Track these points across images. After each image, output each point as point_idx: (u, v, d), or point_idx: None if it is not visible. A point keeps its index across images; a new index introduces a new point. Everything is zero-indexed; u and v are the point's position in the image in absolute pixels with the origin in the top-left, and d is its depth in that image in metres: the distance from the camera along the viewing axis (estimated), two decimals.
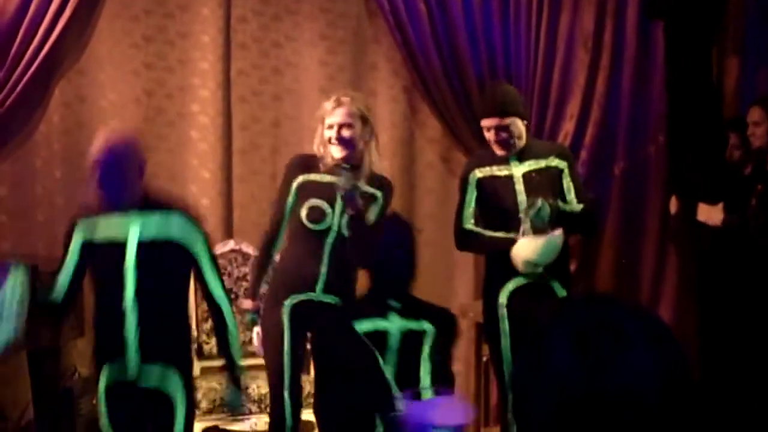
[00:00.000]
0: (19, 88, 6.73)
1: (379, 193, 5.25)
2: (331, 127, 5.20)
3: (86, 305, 6.29)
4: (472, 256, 5.77)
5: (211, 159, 6.98)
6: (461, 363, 7.03)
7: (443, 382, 4.01)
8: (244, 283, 6.73)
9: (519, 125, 5.45)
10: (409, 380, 3.97)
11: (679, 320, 7.03)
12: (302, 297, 5.26)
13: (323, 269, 5.20)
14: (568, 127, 7.12)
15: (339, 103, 5.21)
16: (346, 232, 5.09)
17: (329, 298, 5.19)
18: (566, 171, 5.45)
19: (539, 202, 5.19)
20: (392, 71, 7.14)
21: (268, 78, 7.10)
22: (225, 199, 7.00)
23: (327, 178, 5.17)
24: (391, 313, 4.10)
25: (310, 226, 5.17)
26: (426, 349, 4.05)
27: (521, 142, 5.46)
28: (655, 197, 7.19)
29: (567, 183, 5.44)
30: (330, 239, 5.17)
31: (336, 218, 5.14)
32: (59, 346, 6.25)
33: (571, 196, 5.42)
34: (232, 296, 6.68)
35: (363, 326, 4.01)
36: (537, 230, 5.21)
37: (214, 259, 4.69)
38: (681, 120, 6.83)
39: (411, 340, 4.08)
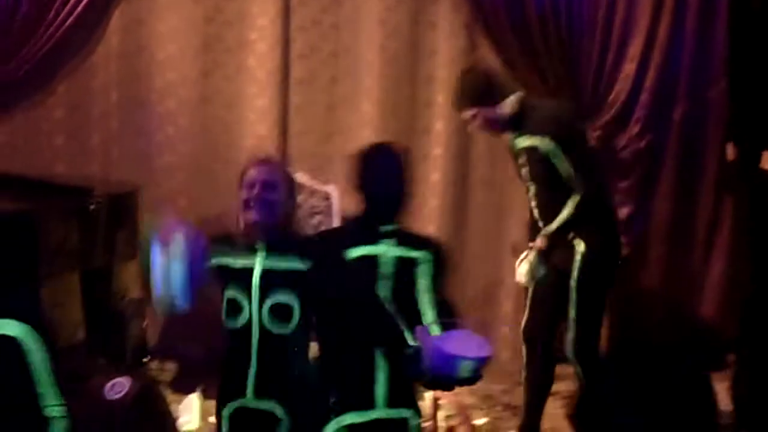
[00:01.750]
0: (78, 10, 6.73)
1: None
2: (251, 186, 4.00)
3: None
4: (525, 194, 5.74)
5: (268, 88, 6.94)
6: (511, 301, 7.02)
7: (447, 314, 3.92)
8: (297, 214, 6.72)
9: (487, 113, 5.46)
10: (403, 308, 3.88)
11: (732, 267, 6.96)
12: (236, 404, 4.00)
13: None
14: (629, 69, 7.01)
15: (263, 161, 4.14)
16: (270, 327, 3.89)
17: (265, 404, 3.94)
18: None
19: None
20: (452, 5, 7.05)
21: (327, 7, 7.04)
22: (281, 129, 6.98)
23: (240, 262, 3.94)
24: (382, 239, 3.92)
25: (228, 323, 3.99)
26: (423, 281, 3.95)
27: (502, 125, 5.53)
28: (713, 143, 7.09)
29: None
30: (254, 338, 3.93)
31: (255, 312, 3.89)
32: (112, 268, 6.28)
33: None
34: None
35: (354, 252, 3.88)
36: None
37: None
38: (744, 64, 6.73)
39: (404, 268, 3.92)
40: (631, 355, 6.90)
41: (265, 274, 3.86)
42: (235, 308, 3.90)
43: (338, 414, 3.77)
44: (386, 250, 3.90)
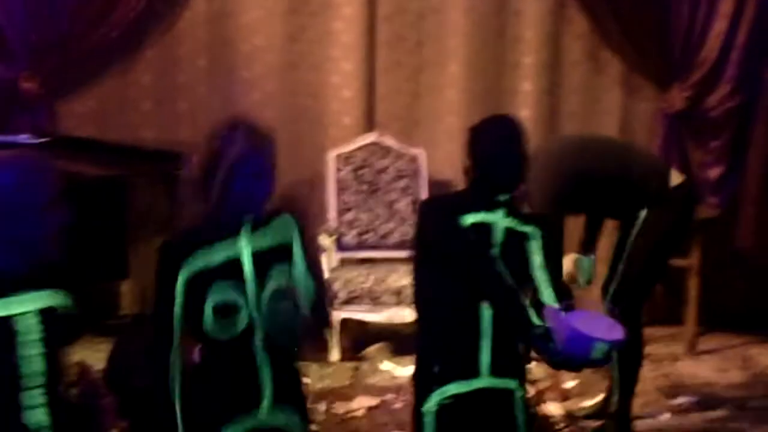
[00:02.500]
0: None
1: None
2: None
3: None
4: None
5: (354, 50, 6.91)
6: None
7: (565, 295, 3.86)
8: (384, 176, 6.72)
9: None
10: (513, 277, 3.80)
11: None
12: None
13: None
14: (720, 26, 6.89)
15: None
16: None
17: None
18: None
19: None
20: None
21: None
22: (368, 91, 6.95)
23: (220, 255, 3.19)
24: (497, 208, 3.80)
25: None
26: (536, 258, 3.83)
27: None
28: None
29: None
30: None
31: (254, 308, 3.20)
32: None
33: None
34: (371, 190, 6.70)
35: (470, 218, 3.76)
36: None
37: None
38: None
39: (512, 240, 3.80)
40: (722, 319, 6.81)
41: (257, 257, 3.17)
42: (227, 313, 3.12)
43: (441, 384, 3.70)
44: (500, 220, 3.79)
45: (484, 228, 3.77)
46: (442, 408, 3.68)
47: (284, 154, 6.79)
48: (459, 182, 6.90)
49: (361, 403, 5.58)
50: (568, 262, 5.31)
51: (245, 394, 3.19)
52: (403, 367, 6.12)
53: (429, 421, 3.69)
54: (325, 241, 6.44)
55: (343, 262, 6.61)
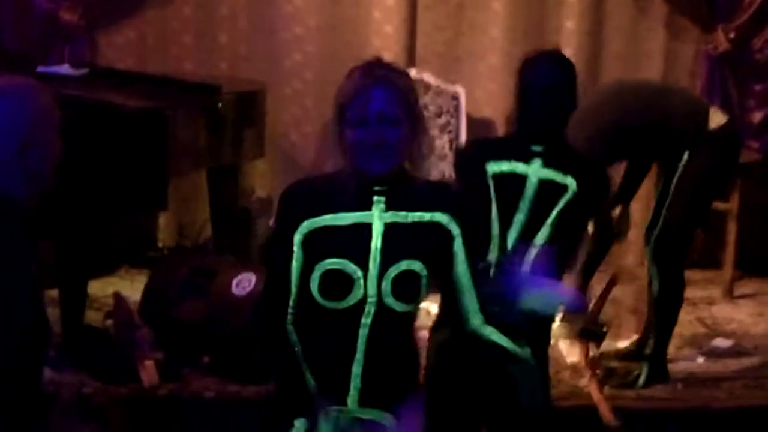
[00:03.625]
0: None
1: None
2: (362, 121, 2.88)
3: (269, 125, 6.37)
4: None
5: None
6: None
7: (565, 242, 3.73)
8: (425, 113, 6.67)
9: None
10: (533, 234, 3.65)
11: None
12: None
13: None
14: None
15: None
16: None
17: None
18: None
19: None
20: None
21: None
22: (409, 27, 6.89)
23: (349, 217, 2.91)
24: (534, 158, 3.64)
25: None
26: (561, 203, 3.64)
27: None
28: None
29: None
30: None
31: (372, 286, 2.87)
32: (239, 166, 6.33)
33: None
34: None
35: (495, 167, 3.63)
36: None
37: None
38: None
39: (549, 191, 3.65)
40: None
41: (388, 231, 2.88)
42: (341, 283, 2.86)
43: None
44: (534, 171, 3.66)
45: (513, 179, 3.66)
46: None
47: (324, 89, 6.88)
48: (499, 121, 6.90)
49: None
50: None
51: (334, 381, 2.89)
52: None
53: None
54: None
55: None
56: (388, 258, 2.86)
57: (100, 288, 5.85)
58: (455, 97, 6.70)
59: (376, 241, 2.87)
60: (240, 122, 6.00)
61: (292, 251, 2.89)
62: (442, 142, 6.68)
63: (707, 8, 6.82)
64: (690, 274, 5.59)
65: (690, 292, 5.77)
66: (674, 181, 5.12)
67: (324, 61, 6.89)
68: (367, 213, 2.89)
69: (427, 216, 2.90)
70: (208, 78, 6.35)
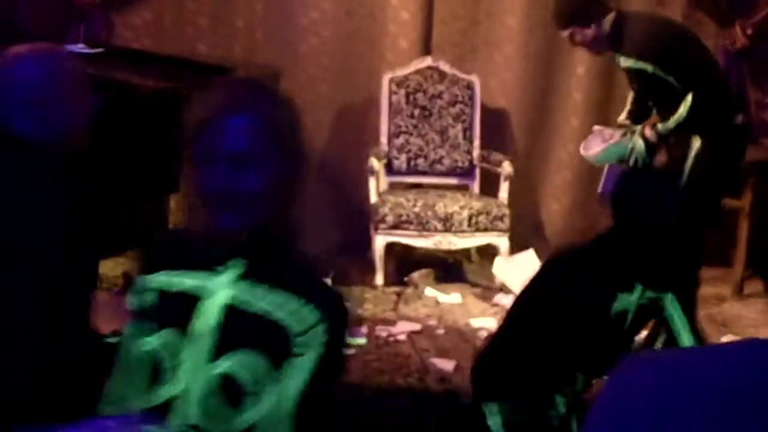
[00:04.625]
0: None
1: None
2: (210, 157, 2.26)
3: None
4: None
5: None
6: None
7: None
8: (438, 101, 6.68)
9: (584, 33, 5.30)
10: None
11: None
12: None
13: None
14: None
15: None
16: None
17: None
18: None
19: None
20: None
21: None
22: (425, 14, 6.86)
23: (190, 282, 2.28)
24: (636, 284, 3.36)
25: None
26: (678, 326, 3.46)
27: (602, 44, 5.36)
28: None
29: None
30: None
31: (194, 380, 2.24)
32: None
33: None
34: (424, 115, 6.67)
35: (615, 307, 3.37)
36: None
37: None
38: None
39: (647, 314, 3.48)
40: None
41: (232, 313, 2.20)
42: (158, 366, 2.23)
43: None
44: (636, 300, 3.43)
45: (622, 316, 3.45)
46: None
47: (339, 75, 6.88)
48: (513, 111, 6.88)
49: (403, 328, 5.60)
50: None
51: None
52: (447, 294, 6.15)
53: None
54: (375, 164, 6.43)
55: (392, 186, 6.60)
56: (213, 350, 2.18)
57: (111, 268, 5.85)
58: (470, 86, 6.69)
59: (202, 322, 2.19)
60: None
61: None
62: (455, 132, 6.67)
63: (725, 4, 6.79)
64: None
65: (701, 290, 5.74)
66: (685, 170, 5.13)
67: (339, 47, 6.87)
68: (203, 282, 2.22)
69: (279, 310, 2.16)
70: (223, 61, 6.33)
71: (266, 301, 2.17)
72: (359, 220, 6.52)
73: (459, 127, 6.68)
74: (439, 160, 6.67)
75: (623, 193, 3.38)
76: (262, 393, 2.13)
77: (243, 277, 2.19)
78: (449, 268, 6.53)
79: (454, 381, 4.94)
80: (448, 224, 6.19)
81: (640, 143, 5.31)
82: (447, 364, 5.11)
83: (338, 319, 2.17)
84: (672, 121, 5.22)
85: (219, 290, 2.20)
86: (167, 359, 2.20)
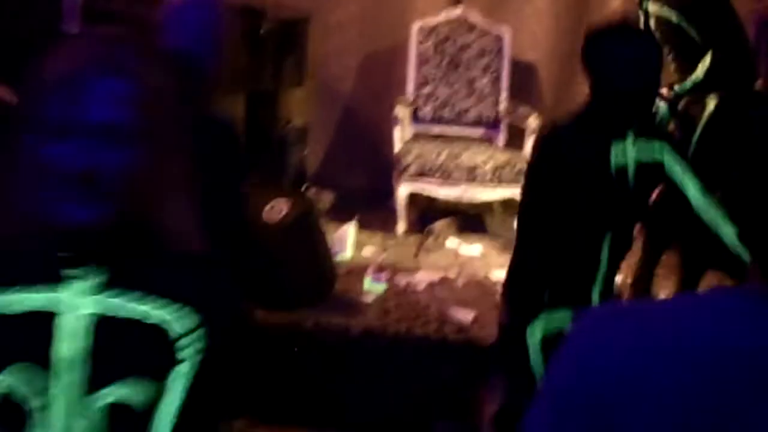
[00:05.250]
0: None
1: None
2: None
3: (310, 54, 6.31)
4: None
5: None
6: None
7: None
8: (466, 52, 6.64)
9: None
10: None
11: None
12: None
13: None
14: None
15: None
16: None
17: None
18: None
19: None
20: None
21: None
22: None
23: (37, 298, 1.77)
24: (627, 131, 3.36)
25: None
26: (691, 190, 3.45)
27: None
28: None
29: None
30: None
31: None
32: (278, 92, 6.30)
33: None
34: (452, 66, 6.63)
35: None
36: None
37: None
38: None
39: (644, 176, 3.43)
40: None
41: (102, 325, 1.74)
42: (11, 419, 1.74)
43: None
44: (632, 149, 3.39)
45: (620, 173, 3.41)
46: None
47: (368, 22, 6.84)
48: (542, 64, 6.84)
49: (423, 278, 5.59)
50: None
51: None
52: (468, 245, 6.13)
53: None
54: (400, 112, 6.40)
55: (417, 136, 6.57)
56: (89, 377, 1.72)
57: None
58: (499, 38, 6.64)
59: (67, 345, 1.72)
60: (281, 49, 5.96)
61: None
62: (483, 83, 6.63)
63: None
64: None
65: None
66: (696, 132, 5.10)
67: None
68: (54, 294, 1.73)
69: (156, 310, 1.75)
70: (253, 2, 6.29)
71: (139, 306, 1.74)
72: (383, 168, 6.50)
73: (487, 78, 6.64)
74: (466, 111, 6.64)
75: (594, 56, 3.31)
76: (155, 414, 1.73)
77: (107, 285, 1.74)
78: (471, 220, 6.51)
79: (473, 332, 4.94)
80: (471, 175, 6.17)
81: (662, 105, 5.27)
82: (466, 315, 5.11)
83: (225, 324, 1.81)
84: (689, 82, 5.17)
85: (78, 301, 1.73)
86: (30, 400, 1.70)
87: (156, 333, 1.73)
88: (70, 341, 1.71)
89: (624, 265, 3.70)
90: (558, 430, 1.44)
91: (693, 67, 5.18)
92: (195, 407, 1.75)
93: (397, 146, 6.32)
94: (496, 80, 6.60)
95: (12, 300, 1.72)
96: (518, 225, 3.62)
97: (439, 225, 6.34)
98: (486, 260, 5.94)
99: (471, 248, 6.09)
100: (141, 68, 1.72)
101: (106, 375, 1.71)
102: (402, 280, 5.52)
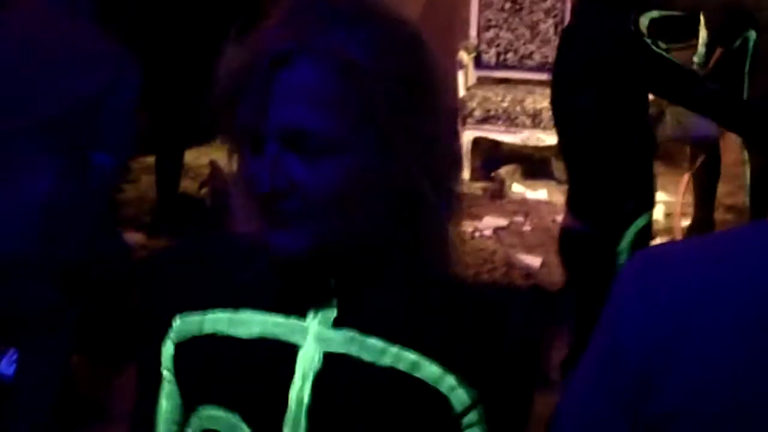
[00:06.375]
0: None
1: None
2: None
3: None
4: None
5: None
6: None
7: None
8: None
9: None
10: None
11: None
12: None
13: None
14: None
15: None
16: None
17: None
18: None
19: None
20: None
21: None
22: None
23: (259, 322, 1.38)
24: None
25: None
26: None
27: None
28: None
29: None
30: None
31: None
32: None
33: None
34: (515, 9, 6.55)
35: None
36: None
37: None
38: None
39: None
40: None
41: (330, 366, 1.35)
42: None
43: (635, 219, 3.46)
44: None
45: None
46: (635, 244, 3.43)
47: None
48: None
49: (490, 224, 5.56)
50: None
51: None
52: (534, 190, 6.08)
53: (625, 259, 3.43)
54: (464, 57, 6.35)
55: (481, 81, 6.52)
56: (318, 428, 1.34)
57: (196, 157, 5.85)
58: None
59: (301, 390, 1.34)
60: None
61: (159, 379, 1.43)
62: (546, 26, 6.55)
63: None
64: None
65: None
66: (746, 67, 5.00)
67: None
68: (296, 322, 1.35)
69: (402, 356, 1.33)
70: None
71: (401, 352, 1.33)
72: None
73: (550, 21, 6.56)
74: (529, 55, 6.56)
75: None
76: None
77: (335, 325, 1.35)
78: (537, 165, 6.45)
79: (540, 277, 4.91)
80: (536, 120, 6.11)
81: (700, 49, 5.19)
82: (533, 260, 5.08)
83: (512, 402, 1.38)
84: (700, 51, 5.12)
85: (328, 334, 1.35)
86: None
87: (407, 381, 1.32)
88: (305, 381, 1.33)
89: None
90: (597, 388, 1.32)
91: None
92: None
93: (461, 91, 6.28)
94: (560, 23, 6.51)
95: (247, 320, 1.36)
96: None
97: (505, 171, 6.30)
98: (552, 205, 5.89)
99: (537, 193, 6.05)
100: (352, 46, 1.28)
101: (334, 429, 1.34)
102: (468, 227, 5.50)
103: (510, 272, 4.98)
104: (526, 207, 5.87)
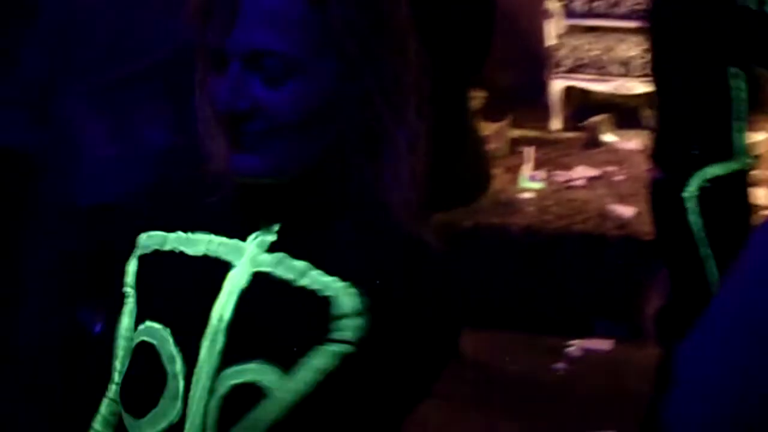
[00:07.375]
0: None
1: None
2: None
3: None
4: None
5: None
6: None
7: None
8: None
9: None
10: None
11: None
12: None
13: None
14: None
15: None
16: None
17: None
18: None
19: None
20: None
21: None
22: None
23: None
24: None
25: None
26: None
27: None
28: None
29: None
30: None
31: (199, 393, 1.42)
32: None
33: None
34: None
35: None
36: None
37: None
38: None
39: None
40: None
41: (256, 284, 1.43)
42: (148, 381, 1.44)
43: (701, 166, 3.41)
44: None
45: None
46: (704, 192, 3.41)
47: None
48: None
49: (582, 173, 5.52)
50: None
51: None
52: (627, 140, 6.02)
53: (692, 206, 3.43)
54: (552, 6, 6.29)
55: (571, 29, 6.45)
56: (232, 347, 1.41)
57: None
58: None
59: (224, 307, 1.42)
60: None
61: (123, 294, 1.52)
62: None
63: None
64: None
65: None
66: None
67: None
68: (237, 243, 1.44)
69: (319, 280, 1.39)
70: None
71: (305, 271, 1.39)
72: (533, 65, 6.41)
73: None
74: (619, 3, 6.47)
75: None
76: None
77: (270, 249, 1.43)
78: (629, 114, 6.38)
79: (634, 227, 4.86)
80: (627, 68, 6.06)
81: None
82: (626, 210, 5.03)
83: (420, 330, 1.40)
84: None
85: (260, 258, 1.42)
86: (172, 363, 1.42)
87: (311, 300, 1.38)
88: (230, 300, 1.41)
89: None
90: (724, 352, 1.31)
91: None
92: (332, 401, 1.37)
93: (550, 41, 6.23)
94: None
95: (198, 240, 1.45)
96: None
97: (596, 120, 6.25)
98: (645, 154, 5.81)
99: (630, 143, 5.98)
100: None
101: (248, 344, 1.39)
102: (560, 177, 5.46)
103: (603, 223, 4.94)
104: (618, 156, 5.81)
